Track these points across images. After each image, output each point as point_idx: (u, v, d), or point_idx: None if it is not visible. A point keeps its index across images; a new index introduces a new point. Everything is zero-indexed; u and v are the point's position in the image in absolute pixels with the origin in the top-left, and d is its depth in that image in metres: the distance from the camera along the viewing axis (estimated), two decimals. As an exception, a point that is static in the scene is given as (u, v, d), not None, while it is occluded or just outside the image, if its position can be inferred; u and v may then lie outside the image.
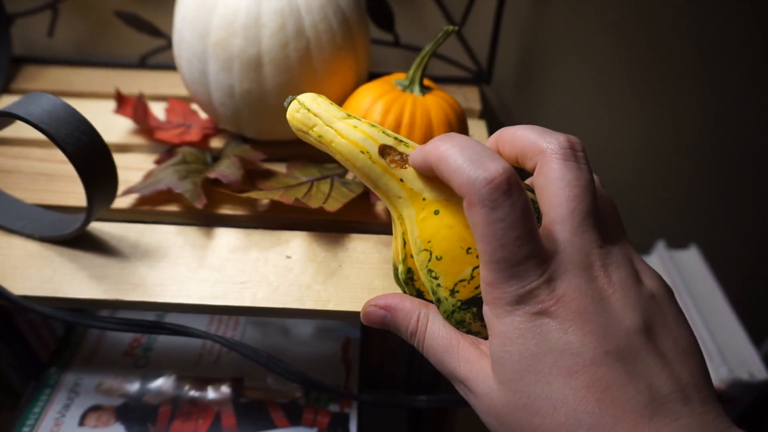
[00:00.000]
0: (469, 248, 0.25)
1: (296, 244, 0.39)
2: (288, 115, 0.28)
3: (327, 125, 0.27)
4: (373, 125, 0.27)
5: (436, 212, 0.26)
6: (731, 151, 0.67)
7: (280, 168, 0.45)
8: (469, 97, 0.56)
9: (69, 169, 0.42)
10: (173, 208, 0.41)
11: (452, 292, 0.25)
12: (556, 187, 0.23)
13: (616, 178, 0.69)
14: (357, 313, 0.35)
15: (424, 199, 0.26)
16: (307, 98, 0.28)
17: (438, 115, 0.39)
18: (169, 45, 0.55)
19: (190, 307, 0.35)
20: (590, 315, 0.22)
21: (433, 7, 0.55)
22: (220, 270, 0.37)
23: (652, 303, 0.23)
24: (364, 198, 0.41)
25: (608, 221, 0.24)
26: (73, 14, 0.57)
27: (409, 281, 0.28)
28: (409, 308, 0.27)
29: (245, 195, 0.39)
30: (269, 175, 0.44)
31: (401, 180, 0.27)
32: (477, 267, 0.25)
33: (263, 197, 0.39)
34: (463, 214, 0.25)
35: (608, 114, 0.64)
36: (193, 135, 0.47)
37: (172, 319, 0.49)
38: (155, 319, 0.46)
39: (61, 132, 0.32)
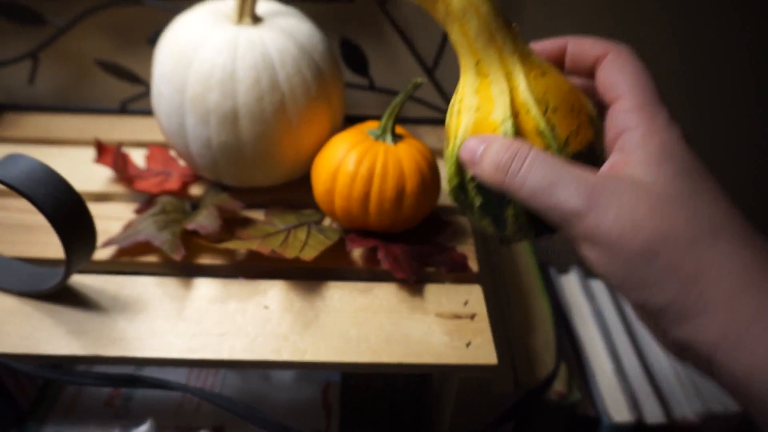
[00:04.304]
0: (573, 106, 0.28)
1: (274, 293, 0.40)
2: None
3: None
4: None
5: (544, 74, 0.29)
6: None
7: (258, 215, 0.46)
8: (443, 137, 0.57)
9: (48, 221, 0.43)
10: (152, 258, 0.42)
11: (565, 143, 0.28)
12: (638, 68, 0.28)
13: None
14: (333, 364, 0.36)
15: (532, 62, 0.29)
16: None
17: (410, 164, 0.40)
18: (148, 91, 0.56)
19: (169, 361, 0.36)
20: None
21: (405, 51, 0.56)
22: (199, 322, 0.38)
23: None
24: (340, 245, 0.42)
25: None
26: (53, 62, 0.58)
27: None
28: (509, 142, 0.27)
29: (223, 246, 0.40)
30: (247, 222, 0.45)
31: (516, 39, 0.29)
32: (581, 125, 0.28)
33: (241, 247, 0.40)
34: (563, 79, 0.29)
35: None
36: (173, 183, 0.47)
37: (151, 368, 0.49)
38: (133, 371, 0.46)
39: (40, 193, 0.32)
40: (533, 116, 0.28)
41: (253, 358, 0.36)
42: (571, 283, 0.62)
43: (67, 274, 0.35)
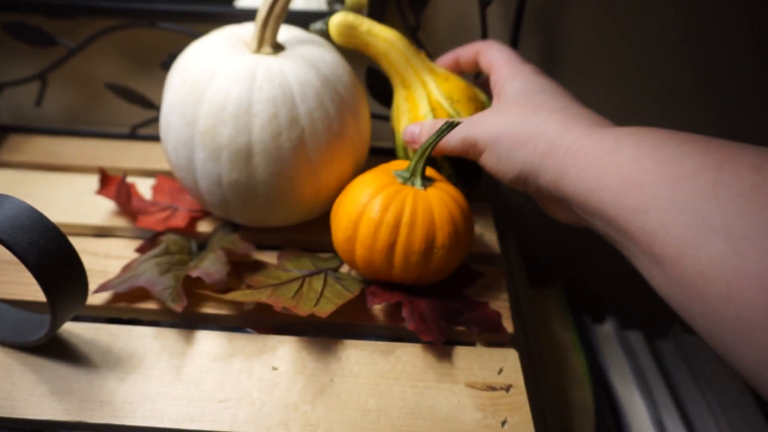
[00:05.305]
0: (470, 96, 0.42)
1: (284, 352, 0.36)
2: (336, 23, 0.41)
3: (370, 25, 0.42)
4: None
5: (447, 79, 0.43)
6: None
7: (270, 257, 0.42)
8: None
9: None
10: (151, 305, 0.38)
11: None
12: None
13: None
14: (349, 442, 0.31)
15: (438, 73, 0.43)
16: (345, 14, 0.42)
17: (441, 211, 0.36)
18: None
19: (162, 431, 0.31)
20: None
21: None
22: (199, 384, 0.34)
23: None
24: (360, 297, 0.38)
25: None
26: (62, 84, 0.55)
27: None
28: (432, 119, 0.42)
29: (230, 297, 0.36)
30: (258, 266, 0.40)
31: (424, 60, 0.43)
32: (477, 107, 0.42)
33: (249, 299, 0.36)
34: (461, 81, 0.43)
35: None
36: (179, 220, 0.43)
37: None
38: None
39: (24, 241, 0.29)
40: (445, 108, 0.42)
41: (257, 432, 0.31)
42: (607, 335, 0.57)
43: (53, 329, 0.32)
